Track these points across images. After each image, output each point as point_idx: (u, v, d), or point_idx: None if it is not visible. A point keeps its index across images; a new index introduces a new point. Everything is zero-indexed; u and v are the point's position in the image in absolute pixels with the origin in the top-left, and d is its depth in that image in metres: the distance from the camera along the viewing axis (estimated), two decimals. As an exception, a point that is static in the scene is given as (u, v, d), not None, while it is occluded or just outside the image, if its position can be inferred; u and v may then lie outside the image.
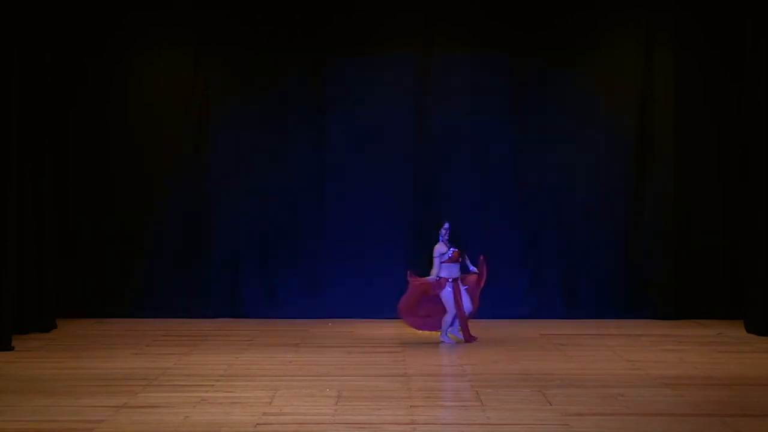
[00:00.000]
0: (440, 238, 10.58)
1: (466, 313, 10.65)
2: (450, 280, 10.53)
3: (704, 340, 11.00)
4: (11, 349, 10.14)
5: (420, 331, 10.99)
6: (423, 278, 10.60)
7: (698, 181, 12.55)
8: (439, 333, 10.74)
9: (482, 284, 10.68)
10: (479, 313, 12.53)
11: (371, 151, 12.50)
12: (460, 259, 10.58)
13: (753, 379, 8.87)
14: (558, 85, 12.56)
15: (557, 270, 12.53)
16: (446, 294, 10.53)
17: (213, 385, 8.39)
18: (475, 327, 11.72)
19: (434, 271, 10.52)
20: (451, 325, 10.71)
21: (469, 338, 10.67)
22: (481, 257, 10.67)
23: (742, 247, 11.86)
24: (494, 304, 12.46)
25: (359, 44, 12.51)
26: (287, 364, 9.48)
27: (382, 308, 12.29)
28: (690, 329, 11.77)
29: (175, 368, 9.14)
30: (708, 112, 12.52)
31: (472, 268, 10.63)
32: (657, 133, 12.53)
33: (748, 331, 11.47)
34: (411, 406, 7.71)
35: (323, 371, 9.09)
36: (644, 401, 7.89)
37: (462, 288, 10.56)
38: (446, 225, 10.61)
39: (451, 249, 10.52)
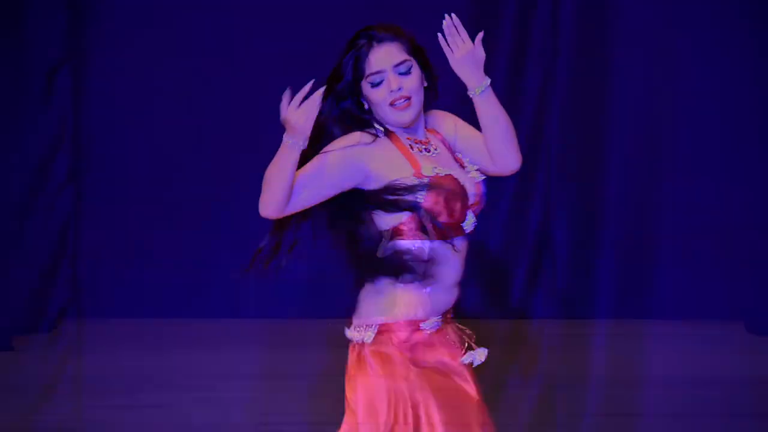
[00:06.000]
0: None
1: None
2: None
3: (704, 340, 11.00)
4: (11, 349, 10.14)
5: None
6: None
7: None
8: None
9: None
10: (478, 312, 12.57)
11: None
12: None
13: (753, 379, 8.86)
14: (558, 84, 12.53)
15: (557, 270, 12.52)
16: None
17: (213, 385, 8.38)
18: (476, 327, 11.74)
19: None
20: None
21: None
22: None
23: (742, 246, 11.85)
24: (494, 303, 12.47)
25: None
26: (287, 364, 9.47)
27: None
28: (690, 329, 11.75)
29: (176, 368, 9.13)
30: (709, 112, 12.52)
31: None
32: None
33: (748, 331, 11.46)
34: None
35: (323, 371, 9.08)
36: (644, 401, 7.88)
37: None
38: None
39: None
